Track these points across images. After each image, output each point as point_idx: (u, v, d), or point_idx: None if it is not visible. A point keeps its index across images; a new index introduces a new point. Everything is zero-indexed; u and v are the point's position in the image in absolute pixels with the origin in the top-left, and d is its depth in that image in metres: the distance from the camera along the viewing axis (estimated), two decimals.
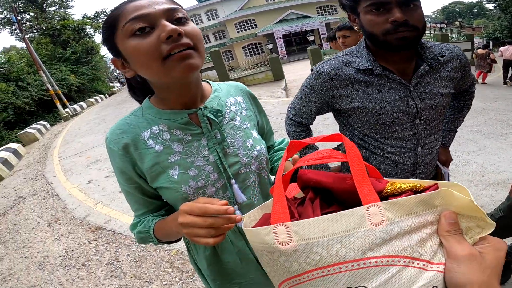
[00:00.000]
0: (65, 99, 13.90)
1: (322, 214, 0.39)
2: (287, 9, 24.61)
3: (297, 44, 26.68)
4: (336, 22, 24.84)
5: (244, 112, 0.75)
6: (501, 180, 2.70)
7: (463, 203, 0.33)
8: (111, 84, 30.53)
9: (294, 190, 0.50)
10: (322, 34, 23.84)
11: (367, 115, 0.90)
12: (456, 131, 1.20)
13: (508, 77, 8.08)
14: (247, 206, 0.70)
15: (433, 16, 75.10)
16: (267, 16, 24.99)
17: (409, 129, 0.90)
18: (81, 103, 16.04)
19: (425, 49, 0.87)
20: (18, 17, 16.56)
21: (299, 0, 25.60)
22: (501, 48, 8.65)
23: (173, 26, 0.53)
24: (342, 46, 2.75)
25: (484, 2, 22.49)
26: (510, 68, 8.09)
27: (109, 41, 0.59)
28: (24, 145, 8.94)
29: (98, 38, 30.35)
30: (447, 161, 1.19)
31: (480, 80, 8.50)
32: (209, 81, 0.76)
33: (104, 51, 25.69)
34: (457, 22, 22.55)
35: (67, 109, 13.63)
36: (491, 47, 25.73)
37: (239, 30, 26.07)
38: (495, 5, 22.55)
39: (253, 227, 0.41)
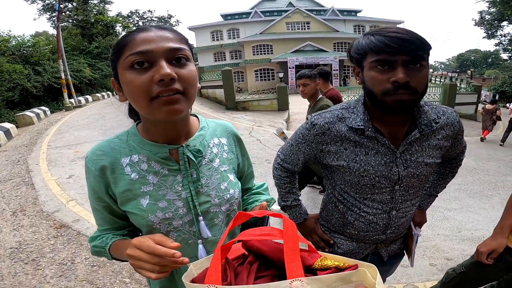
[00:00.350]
0: (73, 90, 14.12)
1: (255, 279, 0.47)
2: (305, 40, 25.44)
3: None
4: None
5: (226, 154, 0.77)
6: (476, 237, 2.78)
7: (371, 282, 0.42)
8: None
9: (240, 250, 0.57)
10: (334, 70, 24.51)
11: (350, 174, 0.91)
12: (436, 196, 1.20)
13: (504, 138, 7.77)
14: (212, 241, 0.73)
15: (447, 63, 75.36)
16: (285, 44, 25.82)
17: (387, 193, 0.92)
18: (87, 96, 16.25)
19: (421, 113, 0.86)
20: (61, 5, 17.22)
21: (318, 34, 26.60)
22: (511, 106, 8.27)
23: (167, 71, 0.55)
24: (302, 94, 2.78)
25: (501, 52, 23.04)
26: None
27: (113, 63, 0.63)
28: (18, 127, 8.94)
29: None
30: (421, 223, 1.20)
31: (484, 136, 8.15)
32: (199, 116, 0.78)
33: None
34: (468, 72, 22.94)
35: (72, 100, 13.78)
36: (497, 98, 25.89)
37: (255, 53, 26.90)
38: (510, 55, 22.73)
39: (191, 281, 0.49)
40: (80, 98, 15.15)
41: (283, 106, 11.30)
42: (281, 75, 14.51)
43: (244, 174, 0.86)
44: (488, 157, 6.06)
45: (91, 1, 22.91)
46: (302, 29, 27.51)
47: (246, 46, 26.78)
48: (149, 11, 36.23)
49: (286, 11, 27.80)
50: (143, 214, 0.66)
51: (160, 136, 0.67)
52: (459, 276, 1.46)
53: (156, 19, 36.62)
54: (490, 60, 56.56)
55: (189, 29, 29.83)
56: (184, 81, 0.58)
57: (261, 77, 27.15)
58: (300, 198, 1.13)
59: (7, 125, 8.08)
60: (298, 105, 14.00)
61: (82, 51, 19.47)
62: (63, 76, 13.27)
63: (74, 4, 21.25)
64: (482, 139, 8.10)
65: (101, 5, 23.56)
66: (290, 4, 29.18)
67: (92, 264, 2.39)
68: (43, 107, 12.09)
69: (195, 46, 29.11)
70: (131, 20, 32.88)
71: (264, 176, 4.29)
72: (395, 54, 0.74)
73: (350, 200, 0.97)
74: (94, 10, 22.03)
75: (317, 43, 25.52)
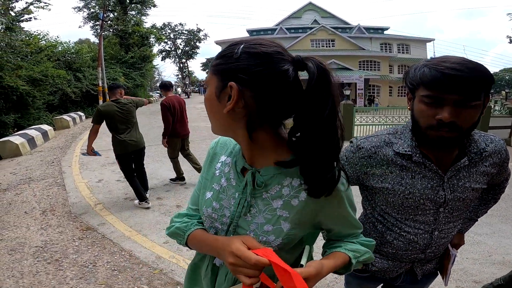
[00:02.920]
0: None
1: None
2: (330, 58, 25.30)
3: None
4: (376, 79, 25.25)
5: (296, 202, 0.65)
6: (507, 261, 2.65)
7: None
8: (150, 93, 32.49)
9: None
10: (359, 89, 24.18)
11: (394, 196, 0.93)
12: (476, 220, 1.21)
13: None
14: None
15: None
16: None
17: (431, 215, 0.94)
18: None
19: (471, 141, 0.89)
20: (104, 15, 18.56)
21: (343, 51, 26.54)
22: None
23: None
24: None
25: None
26: None
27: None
28: (55, 129, 9.57)
29: (156, 48, 32.86)
30: (458, 244, 1.21)
31: None
32: None
33: (156, 61, 27.95)
34: (503, 92, 21.65)
35: None
36: None
37: None
38: None
39: None
40: None
41: None
42: None
43: (333, 231, 0.76)
44: None
45: (130, 12, 24.56)
46: (327, 46, 27.65)
47: None
48: (180, 24, 38.07)
49: (311, 28, 28.19)
50: (202, 203, 0.75)
51: (246, 153, 0.71)
52: None
53: (186, 32, 38.30)
54: None
55: (216, 43, 30.99)
56: None
57: None
58: None
59: (45, 127, 8.69)
60: None
61: (118, 60, 20.61)
62: (100, 84, 14.11)
63: (116, 14, 22.80)
64: None
65: (139, 16, 25.21)
66: (315, 21, 29.64)
67: (113, 269, 2.44)
68: (79, 112, 12.87)
69: None
70: (164, 32, 34.68)
71: None
72: (445, 93, 0.74)
73: (391, 220, 0.99)
74: (132, 20, 23.47)
75: (342, 60, 25.42)
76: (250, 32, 31.37)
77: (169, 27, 37.70)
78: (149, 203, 3.62)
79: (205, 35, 39.61)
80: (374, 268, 1.07)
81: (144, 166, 3.88)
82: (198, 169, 4.28)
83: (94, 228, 3.13)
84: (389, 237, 1.00)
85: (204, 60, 52.70)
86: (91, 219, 3.35)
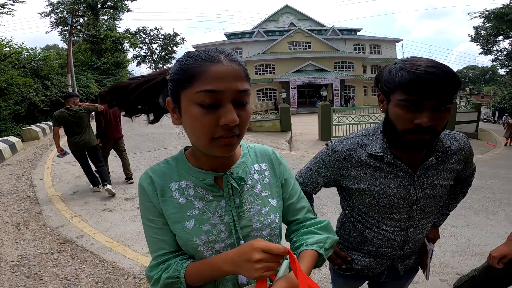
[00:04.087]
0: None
1: None
2: (306, 60, 25.98)
3: (309, 96, 27.66)
4: (351, 80, 26.09)
5: (267, 180, 0.78)
6: (485, 252, 2.77)
7: None
8: None
9: None
10: (335, 89, 24.90)
11: (370, 196, 0.96)
12: (448, 214, 1.27)
13: None
14: None
15: None
16: (287, 64, 26.39)
17: (405, 212, 0.97)
18: (93, 112, 16.44)
19: (437, 141, 0.92)
20: (73, 20, 17.72)
21: (319, 53, 27.23)
22: None
23: (234, 116, 0.57)
24: None
25: (498, 67, 23.21)
26: None
27: (176, 86, 0.61)
28: (23, 141, 9.02)
29: (130, 54, 31.93)
30: (434, 239, 1.27)
31: (508, 143, 11.35)
32: (241, 142, 0.77)
33: (131, 67, 27.14)
34: (467, 89, 22.97)
35: None
36: (496, 118, 25.87)
37: (257, 73, 27.48)
38: (507, 70, 22.72)
39: None
40: None
41: (285, 127, 11.29)
42: (283, 95, 14.65)
43: (290, 201, 0.83)
44: (491, 175, 6.05)
45: (102, 17, 23.65)
46: (303, 48, 28.23)
47: (249, 65, 27.36)
48: (155, 28, 37.18)
49: (288, 31, 28.64)
50: (188, 237, 0.68)
51: (207, 164, 0.70)
52: (471, 280, 1.57)
53: (162, 36, 37.59)
54: (488, 76, 56.76)
55: (194, 47, 30.76)
56: (242, 125, 0.60)
57: (263, 97, 27.57)
58: None
59: (12, 139, 8.16)
60: (301, 126, 14.09)
61: (90, 66, 19.80)
62: (70, 91, 13.51)
63: (86, 19, 21.92)
64: (506, 145, 11.18)
65: (111, 21, 24.33)
66: (292, 24, 30.12)
67: (96, 281, 2.36)
68: (49, 122, 12.22)
69: None
70: (138, 37, 33.80)
71: None
72: (424, 99, 0.75)
73: (369, 219, 1.02)
74: (104, 25, 22.66)
75: (318, 62, 26.09)
76: (228, 35, 31.39)
77: (144, 31, 36.80)
78: (106, 191, 4.18)
79: (182, 39, 38.95)
80: (358, 267, 1.10)
81: (103, 163, 4.39)
82: (127, 175, 4.80)
83: (73, 241, 3.01)
84: (368, 236, 1.04)
85: None
86: (69, 232, 3.22)
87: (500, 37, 16.28)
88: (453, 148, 0.95)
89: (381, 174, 0.93)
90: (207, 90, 0.56)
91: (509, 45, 16.51)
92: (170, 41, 38.00)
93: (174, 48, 39.78)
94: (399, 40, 31.19)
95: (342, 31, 30.62)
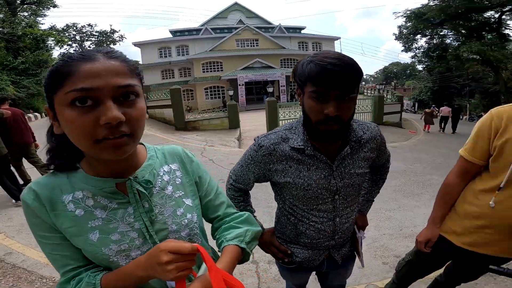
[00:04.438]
0: None
1: None
2: (254, 57, 26.13)
3: (257, 93, 28.02)
4: None
5: (179, 180, 0.76)
6: (415, 233, 3.01)
7: None
8: None
9: None
10: (282, 86, 25.70)
11: (296, 189, 0.99)
12: (373, 201, 1.34)
13: (442, 128, 12.79)
14: None
15: (375, 76, 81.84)
16: (234, 61, 26.32)
17: (330, 203, 1.02)
18: None
19: (350, 131, 0.97)
20: None
21: (267, 50, 27.73)
22: (442, 108, 13.17)
23: (114, 114, 0.52)
24: None
25: (416, 64, 26.71)
26: (442, 122, 12.82)
27: (48, 91, 0.57)
28: None
29: (56, 52, 28.45)
30: (363, 226, 1.31)
31: (426, 130, 12.79)
32: (146, 145, 0.77)
33: None
34: (392, 83, 25.63)
35: None
36: (416, 109, 29.81)
37: (205, 70, 26.91)
38: (424, 66, 26.01)
39: None
40: None
41: (234, 124, 11.32)
42: (231, 92, 14.62)
43: (208, 198, 0.83)
44: (415, 159, 6.83)
45: (21, 13, 20.81)
46: (251, 46, 28.45)
47: (196, 63, 26.74)
48: (89, 25, 33.57)
49: (236, 28, 28.58)
50: (94, 249, 0.63)
51: (105, 170, 0.65)
52: (408, 264, 1.60)
53: (96, 33, 34.26)
54: (408, 71, 63.57)
55: (135, 45, 28.79)
56: (132, 123, 0.56)
57: (211, 95, 27.13)
58: (255, 214, 1.19)
59: None
60: (249, 122, 14.18)
61: (5, 66, 17.15)
62: None
63: (1, 15, 19.01)
64: (427, 132, 12.59)
65: (32, 17, 21.51)
66: (240, 21, 30.11)
67: None
68: None
69: (140, 62, 28.05)
70: (67, 34, 30.29)
71: None
72: (329, 90, 0.81)
73: (300, 212, 1.05)
74: (23, 22, 19.91)
75: (265, 59, 26.55)
76: (173, 32, 30.03)
77: (74, 28, 32.97)
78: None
79: (121, 37, 35.74)
80: (298, 259, 1.13)
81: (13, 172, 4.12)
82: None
83: (1, 259, 2.67)
84: (302, 228, 1.07)
85: None
86: None
87: (418, 36, 18.42)
88: (365, 137, 1.01)
89: (304, 167, 0.97)
90: (77, 89, 0.52)
91: (426, 43, 18.84)
92: (106, 39, 34.78)
93: (112, 46, 36.60)
94: (337, 38, 33.48)
95: (288, 29, 31.58)
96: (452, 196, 1.33)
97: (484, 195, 1.21)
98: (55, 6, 22.47)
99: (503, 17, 14.13)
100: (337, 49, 35.59)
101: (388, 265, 2.52)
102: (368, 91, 16.83)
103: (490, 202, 1.18)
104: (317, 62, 0.81)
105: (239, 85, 24.72)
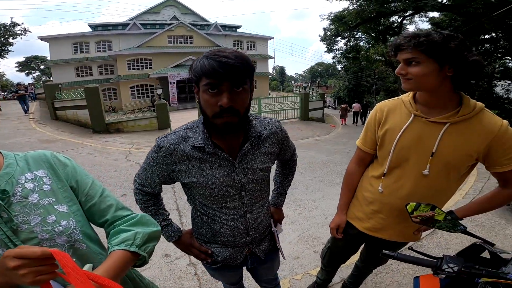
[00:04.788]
0: None
1: None
2: (187, 55, 25.17)
3: (190, 91, 26.99)
4: None
5: (47, 187, 0.74)
6: None
7: None
8: None
9: None
10: None
11: (202, 189, 0.98)
12: (286, 193, 1.36)
13: (355, 121, 15.57)
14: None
15: (304, 75, 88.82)
16: (166, 58, 24.91)
17: (237, 200, 1.02)
18: None
19: (250, 127, 0.98)
20: None
21: (201, 48, 26.76)
22: (354, 104, 16.02)
23: None
24: None
25: (336, 64, 29.38)
26: (354, 117, 15.71)
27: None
28: None
29: None
30: (279, 219, 1.33)
31: (342, 123, 14.91)
32: (3, 152, 0.75)
33: None
34: (317, 81, 28.17)
35: None
36: (336, 105, 34.02)
37: (131, 68, 24.76)
38: (342, 66, 28.52)
39: None
40: None
41: (163, 124, 10.67)
42: (159, 91, 13.77)
43: (91, 202, 0.80)
44: (335, 151, 7.44)
45: None
46: (185, 43, 27.33)
47: (120, 60, 24.34)
48: None
49: (169, 24, 27.02)
50: None
51: None
52: (328, 251, 1.69)
53: None
54: (330, 71, 70.39)
55: (41, 39, 24.58)
56: None
57: (138, 94, 25.17)
58: (170, 217, 1.18)
59: None
60: (182, 122, 13.59)
61: None
62: None
63: None
64: (344, 125, 14.59)
65: None
66: (175, 17, 28.56)
67: None
68: None
69: (48, 58, 24.22)
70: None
71: None
72: (222, 80, 0.81)
73: (210, 211, 1.04)
74: None
75: (198, 57, 25.86)
76: (94, 27, 26.68)
77: (18, 25, 26.61)
78: None
79: (24, 30, 30.31)
80: (220, 258, 1.12)
81: None
82: None
83: None
84: (216, 227, 1.06)
85: (22, 59, 41.33)
86: None
87: (339, 38, 20.27)
88: (266, 132, 1.02)
89: (206, 165, 0.96)
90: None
91: (344, 45, 20.80)
92: (5, 32, 29.10)
93: (10, 40, 30.86)
94: (270, 38, 34.62)
95: (224, 27, 31.29)
96: (353, 182, 1.42)
97: (375, 181, 1.30)
98: None
99: (404, 21, 16.38)
100: (270, 48, 37.00)
101: (318, 253, 2.61)
102: (297, 89, 17.93)
103: (379, 188, 1.26)
104: (209, 57, 0.83)
105: (170, 83, 23.52)
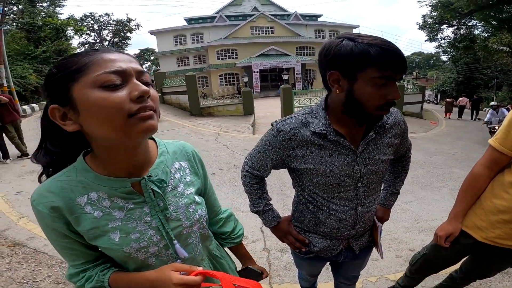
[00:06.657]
0: (16, 98, 12.80)
1: None
2: (269, 45, 25.78)
3: (272, 80, 27.65)
4: (311, 64, 26.66)
5: (188, 178, 0.78)
6: (432, 227, 2.93)
7: None
8: None
9: None
10: (297, 73, 25.27)
11: (317, 176, 0.95)
12: (398, 193, 1.28)
13: (460, 116, 14.51)
14: (190, 259, 0.77)
15: None
16: (249, 48, 26.02)
17: (352, 191, 0.98)
18: (33, 104, 14.74)
19: None
20: (6, 8, 15.63)
21: (282, 38, 27.22)
22: (460, 98, 15.30)
23: (145, 87, 0.56)
24: None
25: (441, 54, 25.40)
26: (461, 111, 14.67)
27: (58, 86, 0.56)
28: None
29: (76, 41, 29.15)
30: (383, 218, 1.26)
31: (446, 117, 14.36)
32: (156, 139, 0.77)
33: None
34: (414, 73, 24.91)
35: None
36: (438, 100, 29.44)
37: (220, 58, 26.79)
38: (449, 56, 25.16)
39: None
40: (25, 107, 13.75)
41: (248, 110, 11.30)
42: (246, 79, 14.53)
43: (208, 195, 0.88)
44: (435, 151, 6.58)
45: (40, 4, 21.33)
46: (266, 33, 27.98)
47: (211, 50, 26.62)
48: (106, 14, 33.99)
49: (251, 15, 28.10)
50: (117, 248, 0.65)
51: (120, 168, 0.65)
52: (422, 258, 1.55)
53: (113, 22, 34.71)
54: (432, 62, 62.21)
55: (151, 33, 28.89)
56: (154, 100, 0.59)
57: (225, 82, 27.09)
58: (271, 202, 1.16)
59: None
60: (264, 109, 14.13)
61: (27, 55, 17.76)
62: (5, 83, 12.05)
63: (20, 7, 19.57)
64: (448, 119, 14.08)
65: (51, 7, 22.09)
66: (255, 8, 29.61)
67: (57, 282, 2.22)
68: None
69: (156, 50, 28.18)
70: (85, 24, 30.89)
71: (233, 182, 4.19)
72: (397, 73, 0.78)
73: (320, 200, 1.01)
74: (42, 13, 20.48)
75: (280, 47, 26.11)
76: (188, 20, 29.90)
77: (92, 17, 33.47)
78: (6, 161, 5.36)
79: (137, 25, 36.01)
80: (316, 249, 1.10)
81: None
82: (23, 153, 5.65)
83: (23, 243, 2.76)
84: (321, 217, 1.03)
85: (138, 52, 48.85)
86: (17, 234, 2.93)
87: (444, 26, 17.52)
88: (390, 122, 0.97)
89: (326, 152, 0.93)
90: (109, 71, 0.55)
91: (452, 33, 17.86)
92: (123, 27, 35.16)
93: (128, 34, 37.08)
94: (356, 26, 32.25)
95: (304, 16, 30.76)
96: (479, 188, 1.25)
97: None
98: None
99: None
100: None
101: (401, 259, 2.45)
102: None
103: None
104: (381, 45, 0.75)
105: (254, 72, 24.49)
